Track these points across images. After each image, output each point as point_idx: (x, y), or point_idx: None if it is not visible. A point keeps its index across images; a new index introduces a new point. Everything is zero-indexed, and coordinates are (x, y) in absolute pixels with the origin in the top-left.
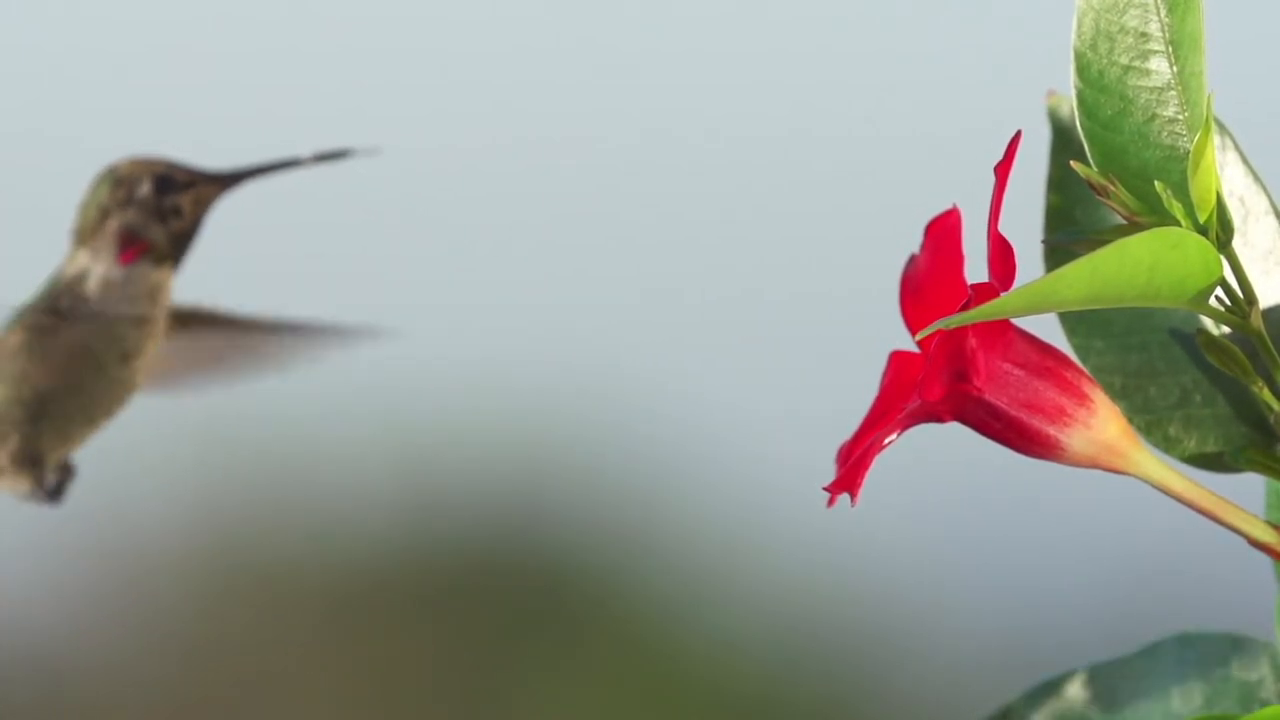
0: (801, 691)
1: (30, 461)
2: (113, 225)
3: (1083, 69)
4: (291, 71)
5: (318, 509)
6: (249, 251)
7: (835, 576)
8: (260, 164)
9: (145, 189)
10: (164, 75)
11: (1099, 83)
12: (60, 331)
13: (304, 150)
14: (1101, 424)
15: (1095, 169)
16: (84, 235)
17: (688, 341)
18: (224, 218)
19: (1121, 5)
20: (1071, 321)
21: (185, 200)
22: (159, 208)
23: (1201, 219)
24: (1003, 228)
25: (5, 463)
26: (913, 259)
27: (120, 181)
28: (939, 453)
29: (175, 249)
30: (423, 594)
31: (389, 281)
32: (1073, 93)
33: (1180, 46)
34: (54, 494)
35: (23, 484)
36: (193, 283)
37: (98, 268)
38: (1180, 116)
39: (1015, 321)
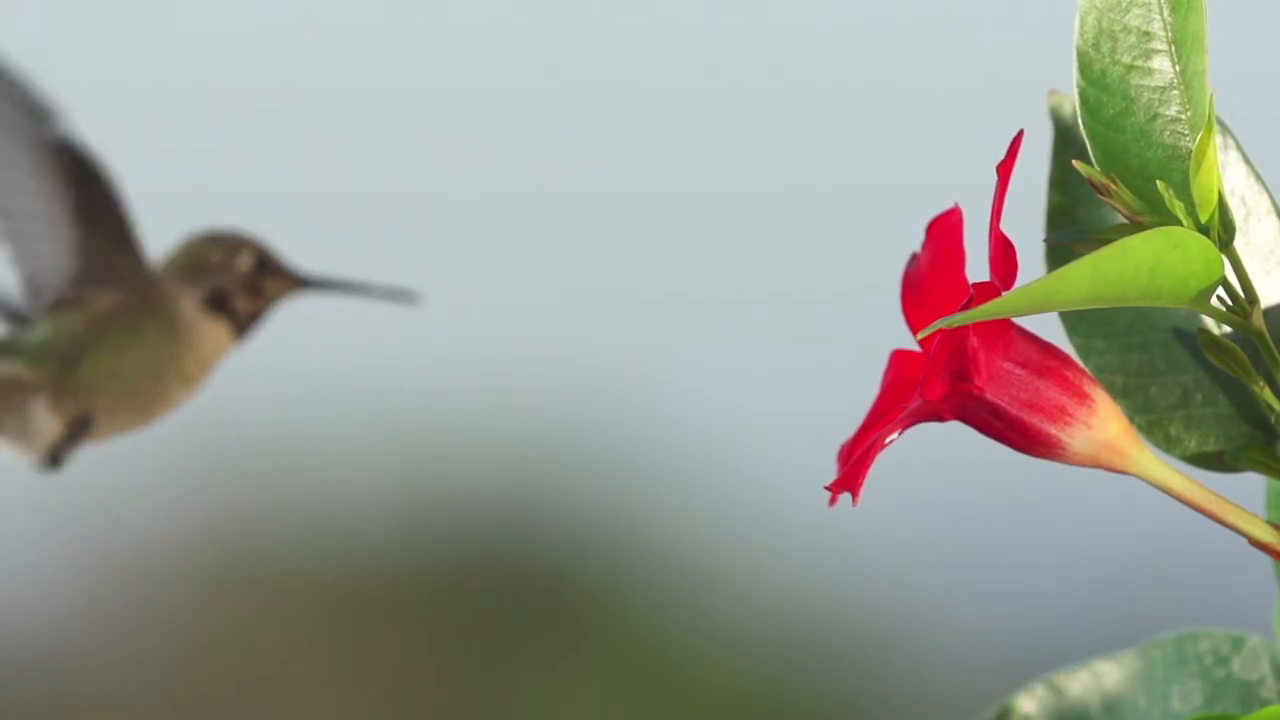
0: (801, 691)
1: (72, 426)
2: (207, 283)
3: (1085, 68)
4: (294, 71)
5: (318, 509)
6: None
7: (835, 576)
8: (336, 280)
9: (246, 264)
10: (164, 74)
11: (1101, 82)
12: (143, 321)
13: (379, 277)
14: (1102, 423)
15: (1097, 168)
16: (171, 269)
17: (688, 341)
18: (222, 219)
19: (1124, 4)
20: (1073, 321)
21: (270, 286)
22: (250, 284)
23: (1203, 219)
24: (1004, 227)
25: (43, 414)
26: (914, 258)
27: (228, 248)
28: (939, 453)
29: (244, 327)
30: (423, 594)
31: (388, 280)
32: (1075, 92)
33: (1183, 46)
34: (56, 462)
35: (39, 441)
36: None
37: (183, 305)
38: (1182, 116)
39: (1016, 321)
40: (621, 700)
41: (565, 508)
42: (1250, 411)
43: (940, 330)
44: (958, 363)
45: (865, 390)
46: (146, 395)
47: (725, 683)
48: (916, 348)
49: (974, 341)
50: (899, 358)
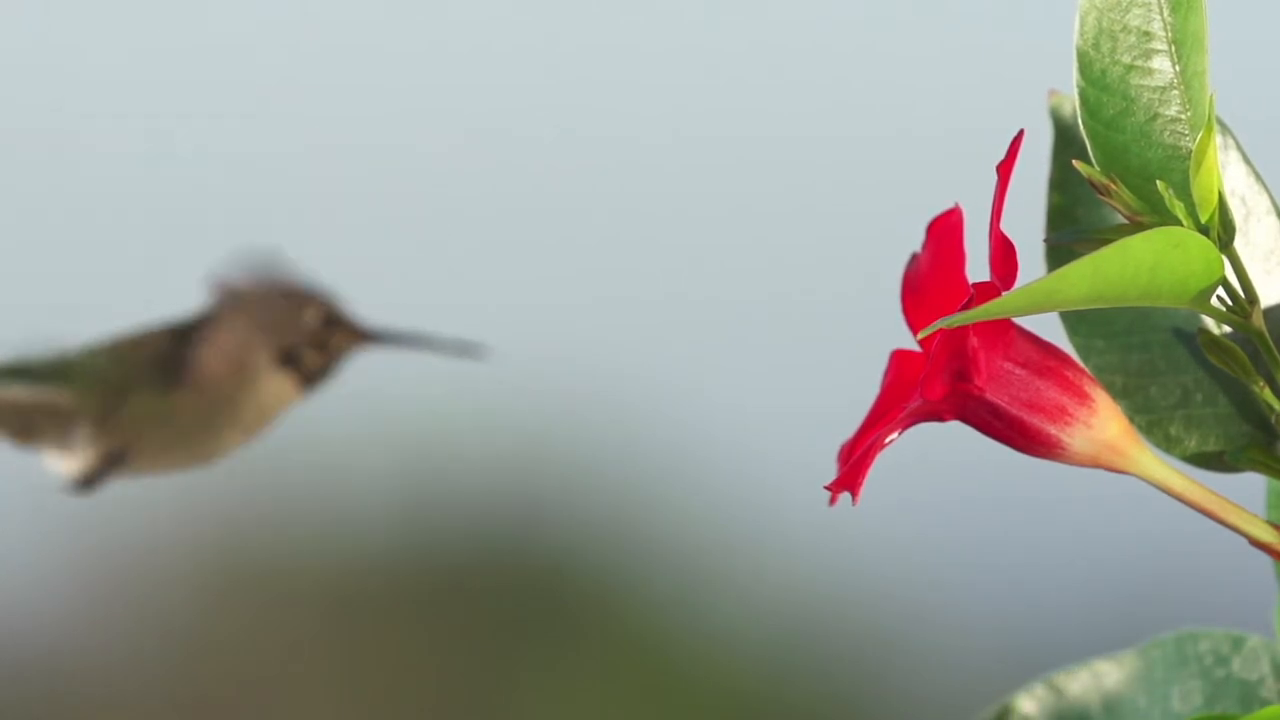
0: (801, 691)
1: (108, 458)
2: (274, 336)
3: (1085, 68)
4: (294, 71)
5: (318, 509)
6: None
7: (835, 576)
8: (403, 334)
9: (314, 318)
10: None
11: (1101, 82)
12: (195, 383)
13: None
14: (1102, 423)
15: (1097, 168)
16: (240, 318)
17: (688, 341)
18: (227, 218)
19: (1124, 4)
20: (1073, 321)
21: (337, 340)
22: (318, 338)
23: (1203, 219)
24: (1004, 227)
25: (82, 440)
26: (914, 258)
27: (297, 301)
28: (939, 453)
29: (310, 380)
30: (423, 594)
31: (389, 280)
32: (1075, 92)
33: (1183, 46)
34: (87, 487)
35: (74, 463)
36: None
37: (248, 358)
38: (1182, 116)
39: (1016, 321)
40: (621, 700)
41: (565, 508)
42: (1250, 411)
43: (940, 330)
44: (958, 363)
45: (865, 390)
46: (197, 441)
47: (725, 683)
48: (916, 348)
49: (974, 341)
50: (899, 358)
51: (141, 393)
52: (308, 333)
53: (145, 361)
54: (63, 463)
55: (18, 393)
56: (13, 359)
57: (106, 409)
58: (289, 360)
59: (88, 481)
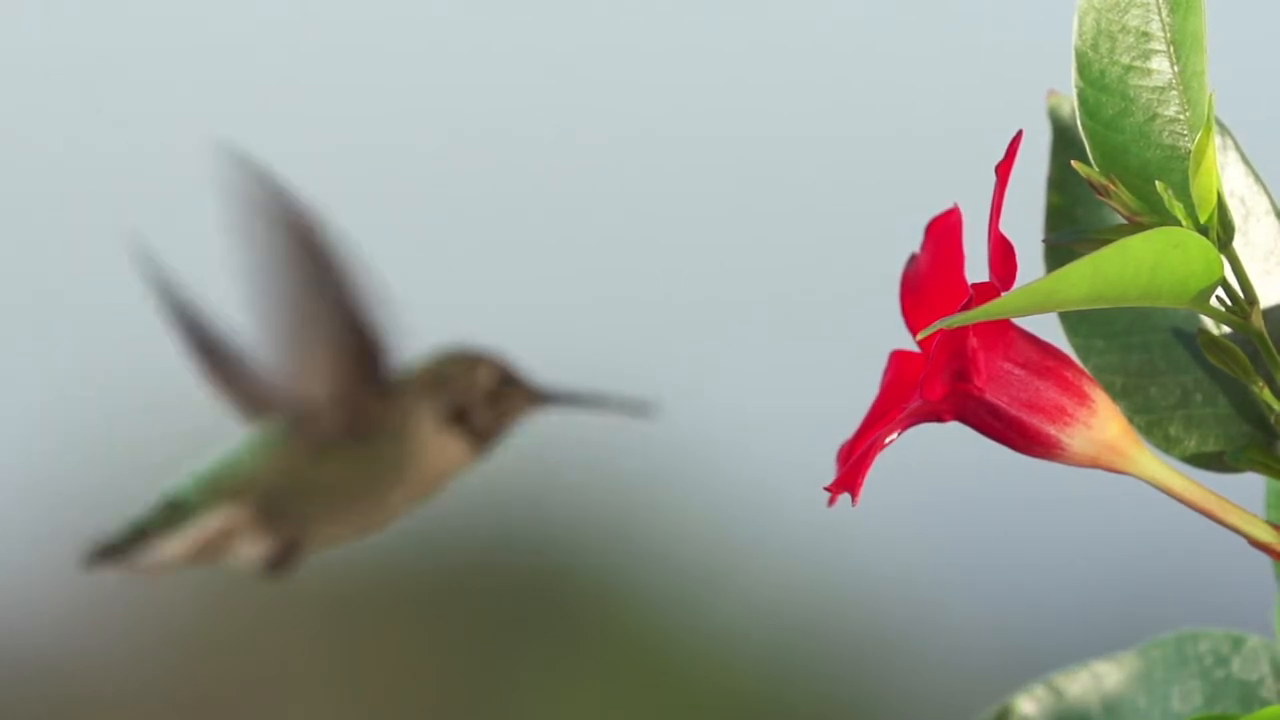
0: (801, 691)
1: (286, 548)
2: (448, 399)
3: (1084, 68)
4: (295, 71)
5: None
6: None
7: (834, 576)
8: (575, 394)
9: (488, 380)
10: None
11: (1100, 82)
12: (366, 448)
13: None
14: (1102, 424)
15: (1096, 168)
16: (413, 383)
17: (688, 341)
18: (221, 219)
19: (1123, 5)
20: (1073, 321)
21: (510, 402)
22: (491, 400)
23: (1202, 219)
24: (1004, 227)
25: (253, 543)
26: (913, 258)
27: (470, 364)
28: (939, 453)
29: (484, 442)
30: (423, 594)
31: (387, 280)
32: (1074, 92)
33: (1182, 46)
34: (276, 571)
35: (255, 550)
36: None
37: (421, 421)
38: (1181, 116)
39: (1016, 321)
40: (621, 700)
41: (565, 508)
42: (1250, 411)
43: (940, 331)
44: (957, 363)
45: (865, 391)
46: (367, 513)
47: (725, 683)
48: (916, 348)
49: (974, 342)
50: (899, 358)
51: (311, 486)
52: (480, 393)
53: (314, 449)
54: (248, 557)
55: (191, 530)
56: (165, 498)
57: (276, 507)
58: (459, 419)
59: (275, 568)
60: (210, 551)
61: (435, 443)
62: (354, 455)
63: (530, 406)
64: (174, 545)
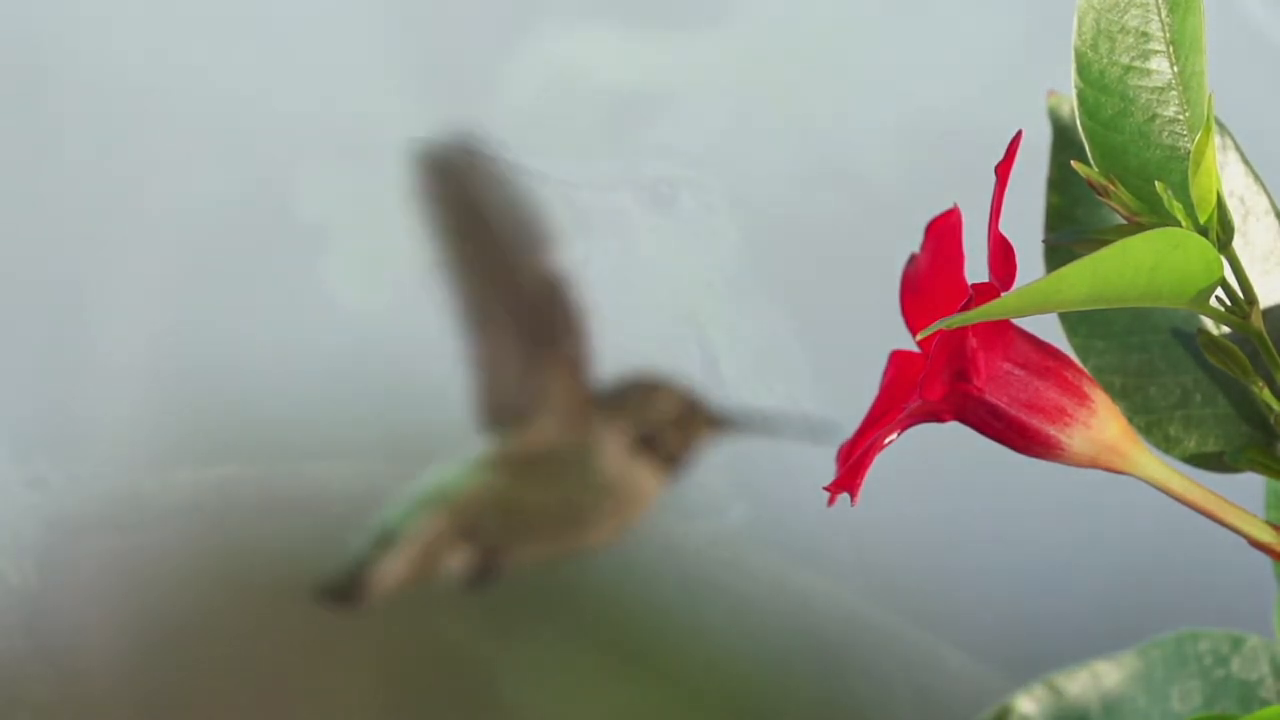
0: (800, 691)
1: (484, 563)
2: (637, 426)
3: (1083, 69)
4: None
5: (318, 508)
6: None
7: (834, 576)
8: (759, 418)
9: (674, 407)
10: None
11: (1100, 82)
12: (563, 469)
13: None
14: (1102, 424)
15: (1096, 169)
16: (605, 410)
17: (687, 340)
18: (226, 213)
19: (1122, 5)
20: (1072, 321)
21: (696, 427)
22: (677, 426)
23: (1202, 219)
24: (1003, 227)
25: (455, 557)
26: (913, 258)
27: (657, 391)
28: (939, 453)
29: (672, 467)
30: (422, 594)
31: (388, 279)
32: (1073, 92)
33: (1181, 46)
34: (478, 585)
35: (457, 563)
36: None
37: (611, 448)
38: (1181, 116)
39: (1016, 321)
40: (622, 700)
41: None
42: (1250, 411)
43: (939, 331)
44: (957, 363)
45: (864, 391)
46: (562, 535)
47: (725, 683)
48: (916, 348)
49: (973, 342)
50: (899, 358)
51: (508, 501)
52: (667, 419)
53: (514, 467)
54: (452, 569)
55: (403, 548)
56: (378, 526)
57: (478, 522)
58: (649, 447)
59: (477, 582)
60: (424, 568)
61: (629, 468)
62: (552, 476)
63: (714, 431)
64: (392, 568)
